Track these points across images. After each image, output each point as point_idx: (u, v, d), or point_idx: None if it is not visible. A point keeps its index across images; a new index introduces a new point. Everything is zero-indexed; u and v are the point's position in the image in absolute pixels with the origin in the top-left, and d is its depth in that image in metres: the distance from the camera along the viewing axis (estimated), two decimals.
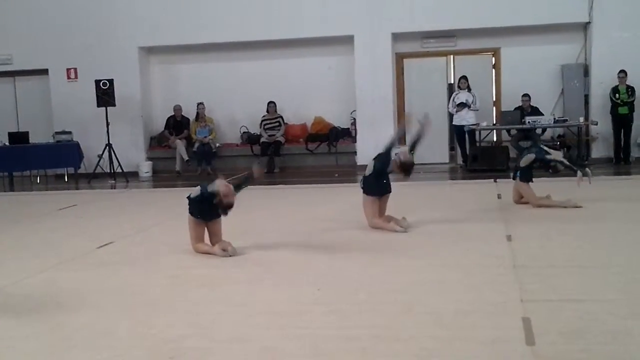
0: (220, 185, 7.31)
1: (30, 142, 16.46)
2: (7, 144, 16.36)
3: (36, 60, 17.52)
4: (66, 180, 16.89)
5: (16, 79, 18.31)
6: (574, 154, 15.56)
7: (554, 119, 15.38)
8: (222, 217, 7.54)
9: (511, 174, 10.24)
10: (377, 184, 8.65)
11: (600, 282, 5.83)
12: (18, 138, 16.44)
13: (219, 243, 7.48)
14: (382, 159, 8.63)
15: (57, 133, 16.88)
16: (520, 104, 15.65)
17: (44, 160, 16.51)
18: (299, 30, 16.56)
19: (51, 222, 10.57)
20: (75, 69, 17.49)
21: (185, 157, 16.74)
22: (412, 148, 8.94)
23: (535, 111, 15.51)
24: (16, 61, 17.72)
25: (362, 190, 8.74)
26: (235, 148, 17.28)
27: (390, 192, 8.80)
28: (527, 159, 9.83)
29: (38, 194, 14.89)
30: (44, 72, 17.65)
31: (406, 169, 8.57)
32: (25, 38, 17.43)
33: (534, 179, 10.00)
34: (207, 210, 7.49)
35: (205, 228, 7.63)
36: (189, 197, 7.58)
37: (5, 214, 11.65)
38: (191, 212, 7.57)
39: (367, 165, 8.83)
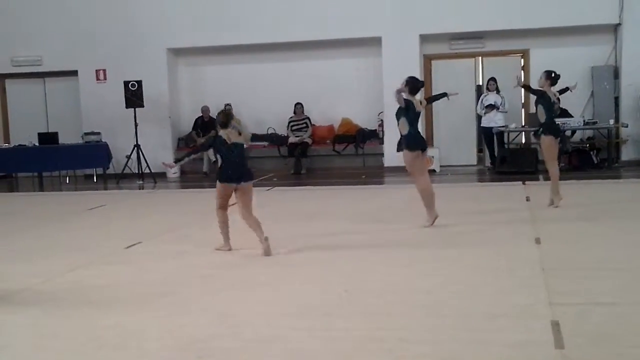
0: None
1: (59, 142, 16.58)
2: (37, 144, 16.49)
3: (66, 62, 17.64)
4: (95, 180, 17.00)
5: (46, 80, 18.46)
6: (603, 156, 15.46)
7: (584, 121, 15.24)
8: (251, 188, 7.70)
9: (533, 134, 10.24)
10: (417, 137, 8.86)
11: (630, 285, 5.77)
12: (48, 139, 16.57)
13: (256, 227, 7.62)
14: (400, 110, 8.83)
15: (86, 134, 16.98)
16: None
17: (73, 161, 16.63)
18: (326, 31, 16.52)
19: (80, 222, 10.65)
20: (105, 71, 17.59)
21: (213, 158, 16.68)
22: (429, 101, 9.50)
23: (565, 113, 15.34)
24: (46, 62, 17.86)
25: (402, 150, 8.83)
26: (262, 149, 17.29)
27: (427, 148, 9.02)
28: (539, 111, 10.06)
29: (67, 194, 15.02)
30: (74, 73, 17.77)
31: (411, 82, 8.97)
32: (55, 40, 17.56)
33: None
34: (231, 174, 7.62)
35: (236, 197, 7.71)
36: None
37: (35, 214, 11.75)
38: (218, 178, 7.76)
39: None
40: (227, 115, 7.90)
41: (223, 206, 7.79)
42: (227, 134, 7.69)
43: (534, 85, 11.11)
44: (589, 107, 16.23)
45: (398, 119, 8.85)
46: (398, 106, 8.88)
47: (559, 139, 10.19)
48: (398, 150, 8.99)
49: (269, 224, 8.78)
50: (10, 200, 14.50)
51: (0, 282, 6.69)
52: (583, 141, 15.85)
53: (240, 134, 7.78)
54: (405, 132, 8.77)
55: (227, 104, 17.11)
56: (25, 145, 16.64)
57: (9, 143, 17.80)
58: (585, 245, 7.45)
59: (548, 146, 9.99)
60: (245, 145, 7.80)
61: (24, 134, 17.25)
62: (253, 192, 7.79)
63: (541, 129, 10.02)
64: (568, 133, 15.30)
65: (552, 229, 8.35)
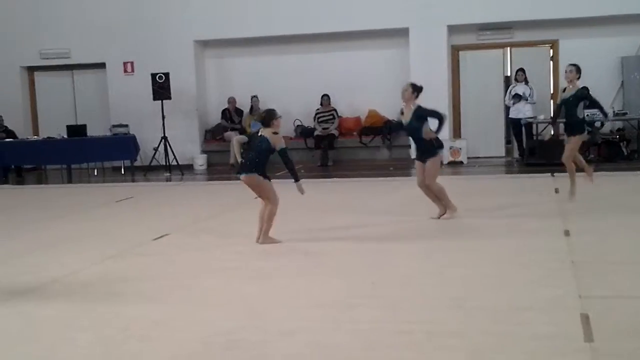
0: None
1: (88, 134, 16.69)
2: (65, 136, 16.61)
3: (94, 54, 17.75)
4: (123, 172, 17.09)
5: (74, 73, 18.59)
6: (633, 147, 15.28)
7: (613, 112, 15.07)
8: (260, 181, 7.68)
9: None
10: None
11: None
12: (76, 131, 16.68)
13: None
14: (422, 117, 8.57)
15: (114, 126, 17.09)
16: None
17: (101, 153, 16.74)
18: (353, 22, 16.47)
19: (108, 214, 10.70)
20: (132, 63, 17.67)
21: (240, 159, 16.72)
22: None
23: (594, 104, 15.17)
24: (74, 55, 17.98)
25: (431, 154, 8.63)
26: (289, 141, 17.11)
27: None
28: (579, 109, 9.94)
29: (95, 186, 15.12)
30: (102, 65, 17.88)
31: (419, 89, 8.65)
32: (83, 32, 17.67)
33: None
34: (240, 165, 7.86)
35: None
36: None
37: (63, 206, 11.83)
38: None
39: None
40: (270, 113, 7.82)
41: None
42: (262, 129, 7.78)
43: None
44: (619, 98, 16.05)
45: (420, 127, 8.56)
46: (413, 112, 8.62)
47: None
48: (430, 157, 8.65)
49: (295, 215, 8.80)
50: (38, 192, 14.62)
51: (28, 274, 6.74)
52: (613, 132, 15.67)
53: (275, 133, 7.71)
54: (433, 136, 8.62)
55: (254, 96, 17.12)
56: (54, 137, 16.76)
57: (37, 135, 17.95)
58: (616, 238, 7.35)
59: (572, 143, 9.87)
60: (270, 144, 7.65)
61: (52, 127, 17.39)
62: (265, 185, 7.72)
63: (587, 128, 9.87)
64: (598, 124, 15.14)
65: (582, 221, 8.26)
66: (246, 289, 5.90)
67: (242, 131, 17.01)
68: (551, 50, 16.56)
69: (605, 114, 10.70)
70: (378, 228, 8.44)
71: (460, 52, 16.92)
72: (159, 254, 7.52)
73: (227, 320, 5.02)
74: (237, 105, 17.41)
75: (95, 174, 17.14)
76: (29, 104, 18.77)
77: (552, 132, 10.34)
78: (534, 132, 15.52)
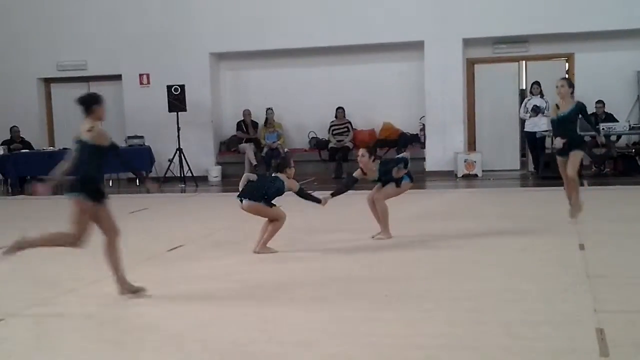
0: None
1: None
2: None
3: (110, 66, 17.86)
4: (137, 183, 17.14)
5: (90, 84, 18.63)
6: None
7: (629, 125, 15.01)
8: (263, 208, 7.88)
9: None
10: None
11: None
12: None
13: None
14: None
15: (129, 137, 17.17)
16: (594, 111, 15.32)
17: (116, 164, 16.74)
18: (369, 35, 16.50)
19: (123, 225, 10.67)
20: (148, 75, 17.76)
21: (254, 162, 16.84)
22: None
23: (610, 118, 15.16)
24: (91, 67, 18.10)
25: (400, 180, 8.84)
26: (303, 153, 17.27)
27: None
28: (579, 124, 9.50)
29: (110, 197, 15.12)
30: (118, 77, 17.98)
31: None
32: (99, 44, 17.78)
33: None
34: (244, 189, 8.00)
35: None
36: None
37: None
38: None
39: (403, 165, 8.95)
40: (284, 161, 8.23)
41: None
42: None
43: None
44: (635, 111, 16.00)
45: (390, 175, 8.81)
46: (378, 169, 8.93)
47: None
48: (398, 186, 8.89)
49: (310, 228, 8.80)
50: (54, 202, 14.65)
51: (44, 285, 6.78)
52: (629, 146, 15.61)
53: (288, 177, 8.00)
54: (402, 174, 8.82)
55: (269, 108, 17.16)
56: (70, 148, 16.78)
57: (54, 146, 18.05)
58: (631, 252, 7.31)
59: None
60: (285, 188, 7.92)
61: (68, 138, 17.23)
62: (269, 210, 7.89)
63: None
64: (613, 138, 15.09)
65: (597, 235, 8.21)
66: (262, 301, 5.90)
67: (257, 143, 17.07)
68: (567, 64, 16.52)
69: (598, 132, 10.48)
70: (392, 241, 8.42)
71: (476, 65, 16.91)
72: (173, 266, 7.54)
73: (243, 332, 5.03)
74: (252, 118, 17.45)
75: (110, 185, 17.19)
76: (45, 115, 18.91)
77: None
78: (549, 145, 15.48)
